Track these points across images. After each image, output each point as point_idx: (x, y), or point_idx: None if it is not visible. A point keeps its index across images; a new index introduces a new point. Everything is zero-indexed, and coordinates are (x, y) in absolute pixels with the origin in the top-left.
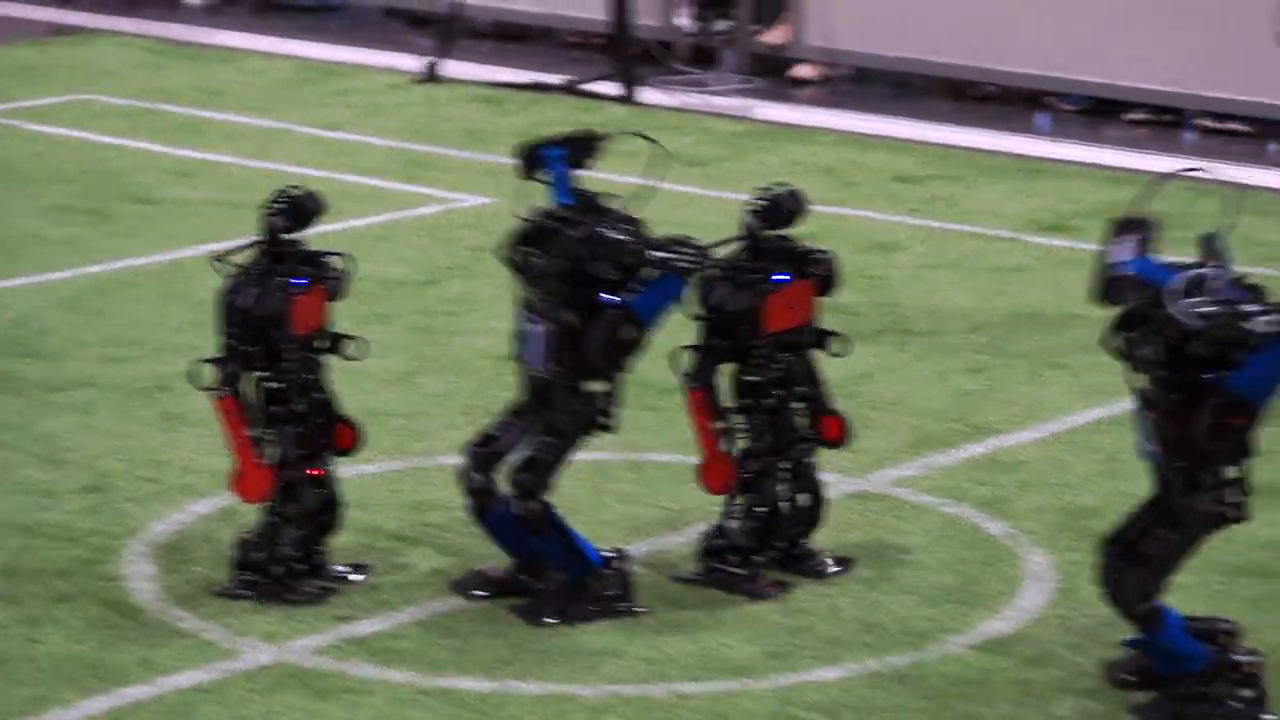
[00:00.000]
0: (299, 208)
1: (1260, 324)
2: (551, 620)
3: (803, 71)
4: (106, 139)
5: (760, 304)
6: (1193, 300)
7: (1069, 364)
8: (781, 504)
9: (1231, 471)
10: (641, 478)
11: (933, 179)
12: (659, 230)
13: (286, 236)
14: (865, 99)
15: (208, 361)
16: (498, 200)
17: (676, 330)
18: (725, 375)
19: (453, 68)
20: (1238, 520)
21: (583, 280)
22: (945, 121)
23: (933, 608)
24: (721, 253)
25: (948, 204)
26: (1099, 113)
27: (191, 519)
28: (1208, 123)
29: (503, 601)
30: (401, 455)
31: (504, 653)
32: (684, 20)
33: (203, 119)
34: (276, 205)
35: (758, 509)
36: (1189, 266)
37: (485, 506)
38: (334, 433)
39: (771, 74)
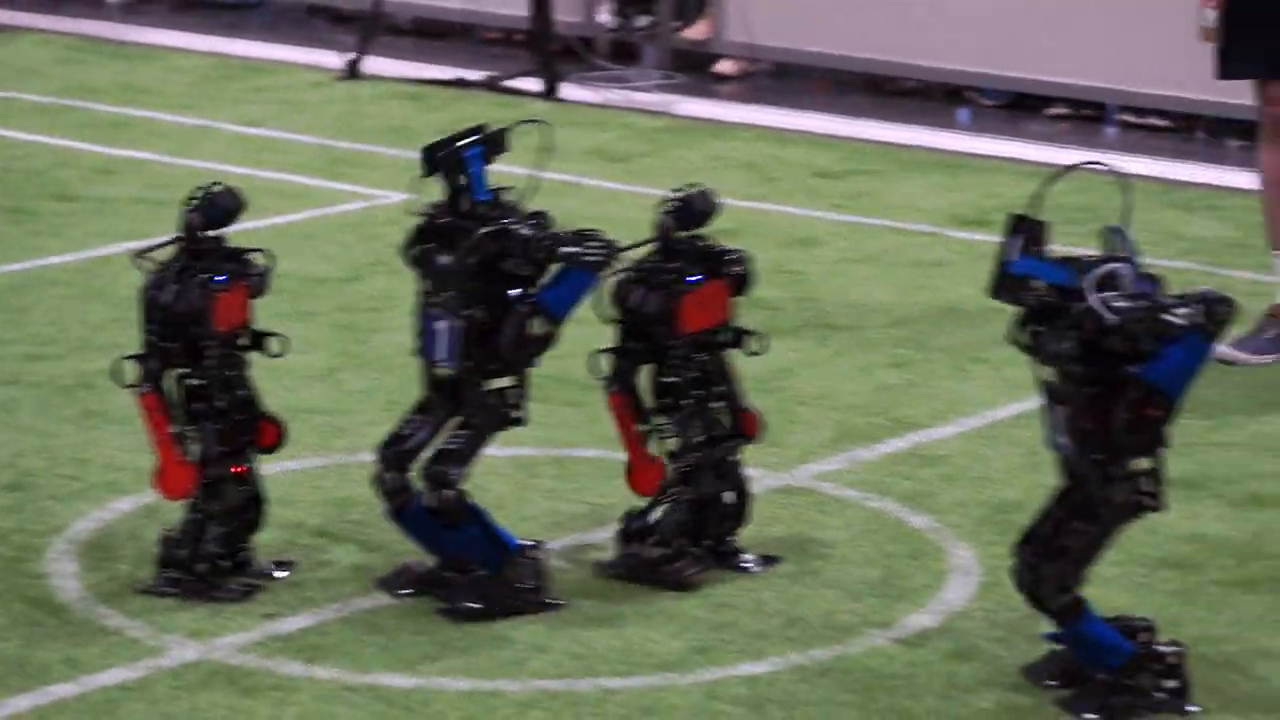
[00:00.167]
0: (217, 205)
1: (1180, 315)
2: (473, 607)
3: (723, 67)
4: (27, 136)
5: (675, 305)
6: (1108, 294)
7: (990, 358)
8: (709, 497)
9: (1146, 462)
10: (565, 473)
11: (853, 174)
12: (579, 226)
13: (207, 234)
14: (785, 94)
15: (129, 358)
16: (421, 197)
17: (599, 331)
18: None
19: (374, 64)
20: (1155, 509)
21: (493, 277)
22: (866, 117)
23: (857, 602)
24: (636, 255)
25: (869, 199)
26: (1020, 107)
27: (115, 516)
28: (1129, 117)
29: (428, 597)
30: (324, 452)
31: (430, 649)
32: (605, 16)
33: (124, 116)
34: (195, 202)
35: (686, 500)
36: (1089, 260)
37: (402, 506)
38: (257, 430)
39: (693, 70)
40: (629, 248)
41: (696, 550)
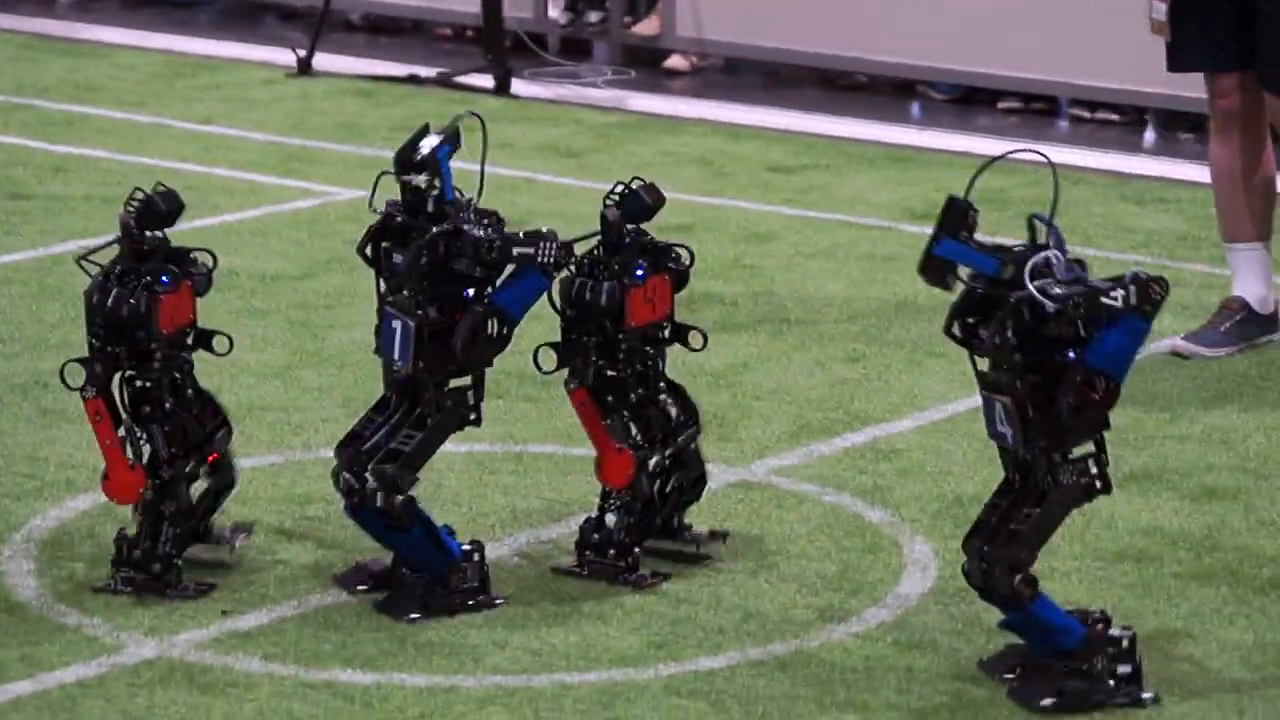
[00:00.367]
0: (155, 206)
1: (1118, 298)
2: (414, 615)
3: (675, 63)
4: None
5: (623, 299)
6: (1044, 281)
7: (946, 352)
8: (656, 491)
9: (1089, 445)
10: (522, 469)
11: (806, 169)
12: (535, 222)
13: (151, 235)
14: (737, 89)
15: (76, 362)
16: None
17: (555, 327)
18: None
19: (326, 61)
20: (1104, 491)
21: (446, 277)
22: (817, 111)
23: (814, 596)
24: (581, 249)
25: (821, 193)
26: (971, 102)
27: (71, 515)
28: (1080, 111)
29: (384, 594)
30: (280, 449)
31: (387, 645)
32: (556, 12)
33: (76, 114)
34: (133, 204)
35: (633, 504)
36: (1018, 251)
37: (359, 504)
38: (224, 416)
39: (644, 65)
40: (575, 240)
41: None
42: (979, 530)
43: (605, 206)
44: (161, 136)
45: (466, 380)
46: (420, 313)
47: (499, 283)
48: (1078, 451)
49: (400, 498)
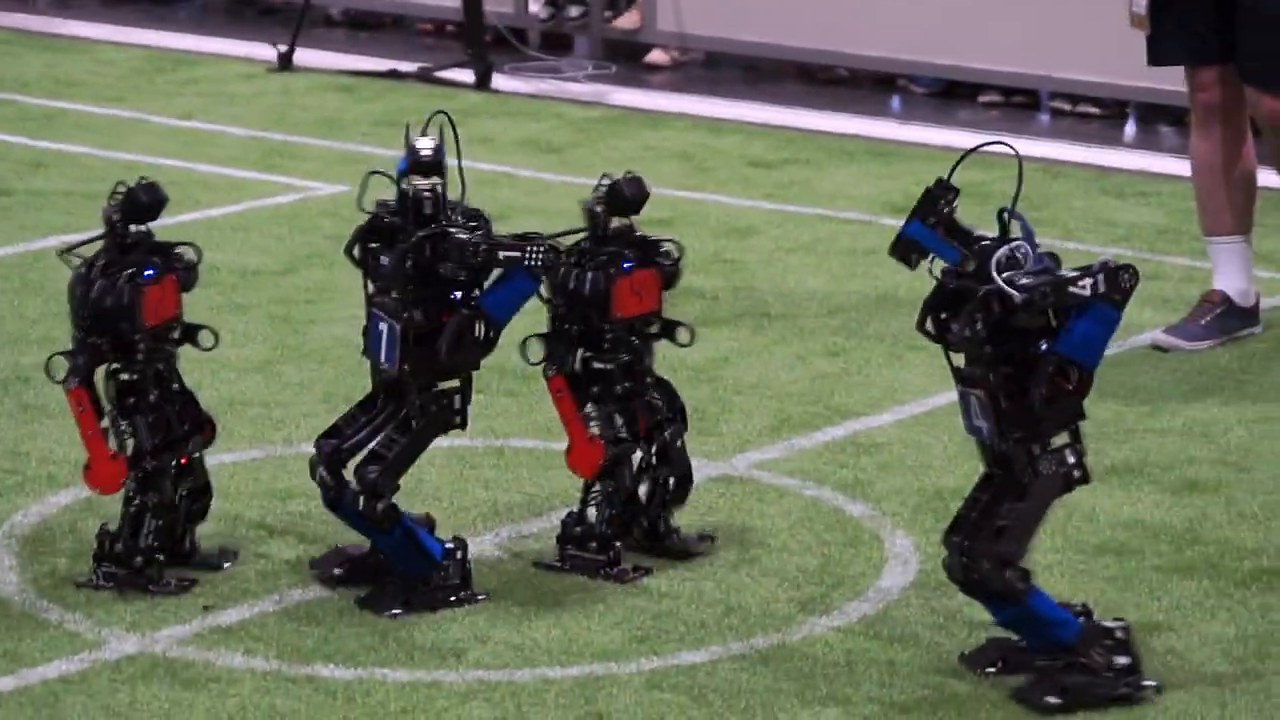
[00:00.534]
0: (137, 199)
1: (1087, 287)
2: (396, 611)
3: (655, 57)
4: None
5: (609, 289)
6: (1012, 274)
7: (926, 346)
8: (642, 487)
9: (1065, 436)
10: (503, 463)
11: (787, 163)
12: (516, 217)
13: (135, 228)
14: (717, 84)
15: (59, 354)
16: (355, 188)
17: (537, 322)
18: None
19: (306, 56)
20: (1084, 481)
21: (432, 280)
22: (797, 105)
23: (796, 590)
24: (569, 240)
25: (802, 188)
26: (952, 95)
27: (53, 510)
28: (1061, 105)
29: (363, 583)
30: (262, 444)
31: (369, 640)
32: (537, 7)
33: (56, 109)
34: (116, 198)
35: (615, 497)
36: (987, 244)
37: (339, 500)
38: (200, 419)
39: (624, 60)
40: (564, 233)
41: (635, 534)
42: (959, 525)
43: (592, 199)
44: (142, 132)
45: (454, 382)
46: (406, 315)
47: (486, 285)
48: (1055, 442)
49: (381, 504)
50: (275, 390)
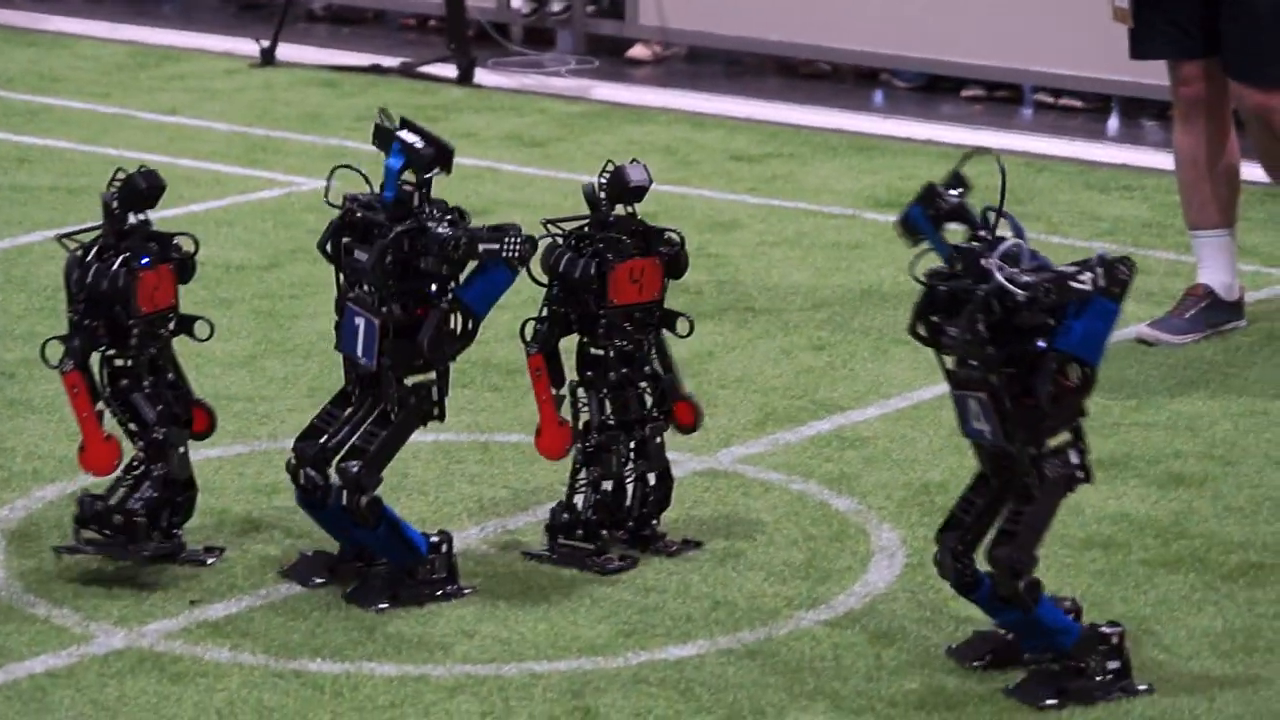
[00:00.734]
0: (135, 186)
1: (1087, 281)
2: (383, 605)
3: (637, 52)
4: None
5: (605, 274)
6: (1010, 271)
7: (911, 340)
8: (627, 481)
9: (1067, 435)
10: (489, 458)
11: (770, 157)
12: (500, 211)
13: (134, 218)
14: (700, 78)
15: (55, 339)
16: (339, 183)
17: (524, 316)
18: (570, 348)
19: (289, 51)
20: (1087, 480)
21: (410, 274)
22: (780, 100)
23: (783, 584)
24: (568, 225)
25: (785, 182)
26: (934, 89)
27: (39, 505)
28: (1045, 98)
29: (342, 584)
30: (247, 439)
31: (356, 634)
32: (519, 2)
33: (39, 105)
34: (115, 184)
35: (602, 484)
36: (977, 245)
37: (319, 500)
38: (189, 414)
39: (607, 54)
40: (566, 219)
41: (621, 533)
42: (954, 526)
43: (595, 182)
44: (125, 127)
45: (429, 374)
46: (385, 310)
47: (463, 278)
48: (1056, 442)
49: (365, 498)
50: (260, 385)
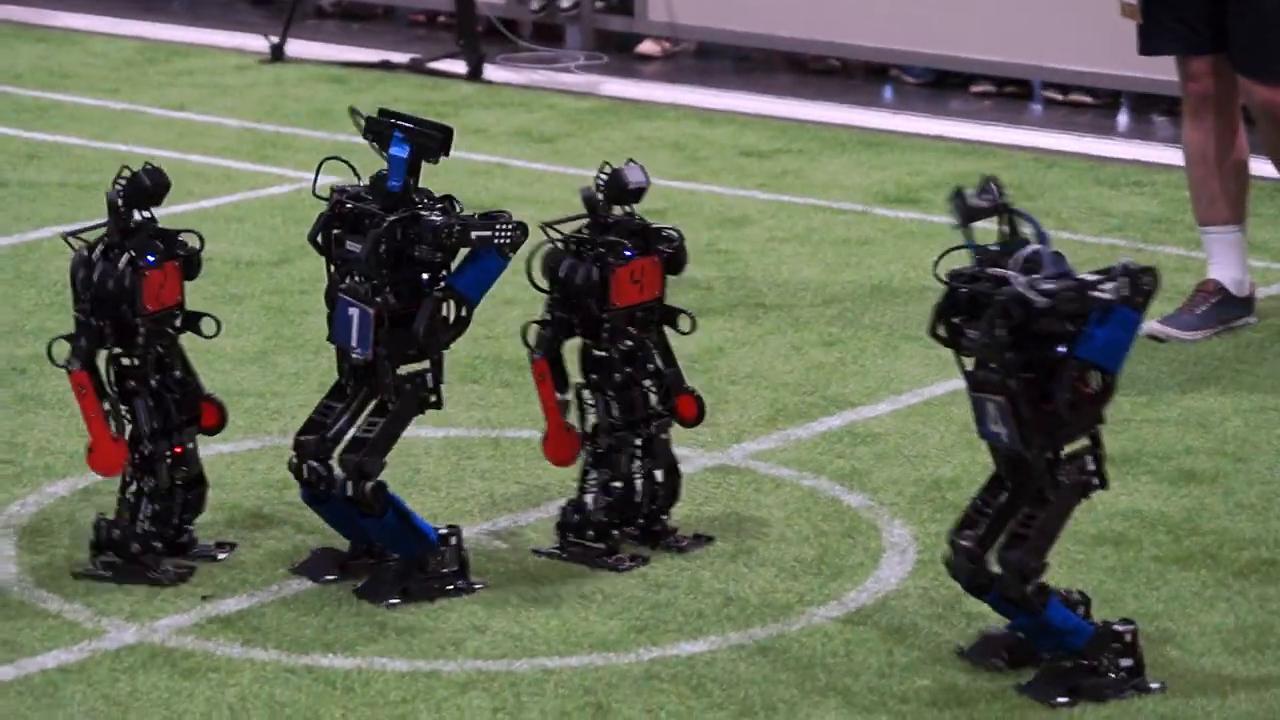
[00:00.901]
0: (140, 184)
1: (1110, 291)
2: (394, 600)
3: (647, 48)
4: None
5: (607, 278)
6: (1033, 278)
7: (922, 336)
8: (636, 479)
9: (1085, 441)
10: (500, 454)
11: (779, 153)
12: (509, 207)
13: (139, 215)
14: (709, 74)
15: (62, 338)
16: (347, 179)
17: (533, 313)
18: (574, 350)
19: (298, 47)
20: (1102, 487)
21: (403, 263)
22: (789, 96)
23: (794, 580)
24: (569, 227)
25: (795, 178)
26: (943, 85)
27: (51, 500)
28: (1054, 94)
29: (353, 580)
30: (257, 434)
31: (368, 630)
32: None
33: (49, 101)
34: (121, 182)
35: (612, 485)
36: (1000, 247)
37: (325, 494)
38: (197, 410)
39: (616, 50)
40: (563, 220)
41: (632, 529)
42: (968, 526)
43: (593, 184)
44: (135, 123)
45: (424, 364)
46: (379, 300)
47: (455, 266)
48: (1073, 448)
49: (369, 484)
50: (271, 380)
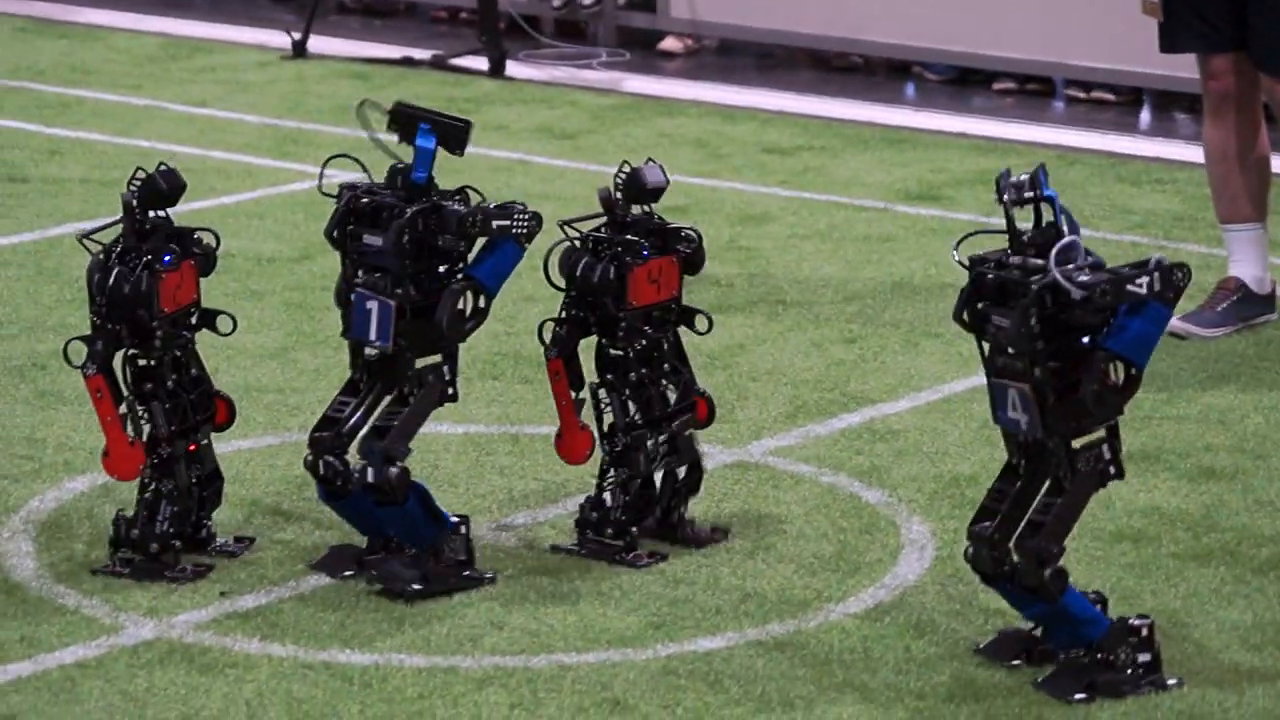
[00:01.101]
0: (156, 185)
1: (1143, 285)
2: (417, 588)
3: (669, 44)
4: None
5: (624, 277)
6: (1069, 268)
7: (942, 333)
8: (656, 475)
9: (1101, 431)
10: (518, 450)
11: (801, 150)
12: (531, 204)
13: (154, 214)
14: (731, 71)
15: (78, 339)
16: (368, 177)
17: (552, 309)
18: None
19: (320, 44)
20: (1119, 476)
21: (425, 254)
22: (811, 93)
23: (812, 577)
24: (587, 226)
25: (817, 175)
26: (966, 82)
27: (70, 496)
28: (1076, 92)
29: (370, 576)
30: (277, 430)
31: (385, 626)
32: None
33: (71, 97)
34: (135, 183)
35: (630, 483)
36: (1031, 233)
37: (339, 490)
38: (212, 409)
39: (638, 47)
40: (581, 219)
41: (650, 520)
42: (985, 517)
43: (611, 184)
44: (157, 119)
45: (436, 357)
46: (400, 291)
47: (472, 257)
48: (1091, 438)
49: (396, 470)
50: (291, 376)
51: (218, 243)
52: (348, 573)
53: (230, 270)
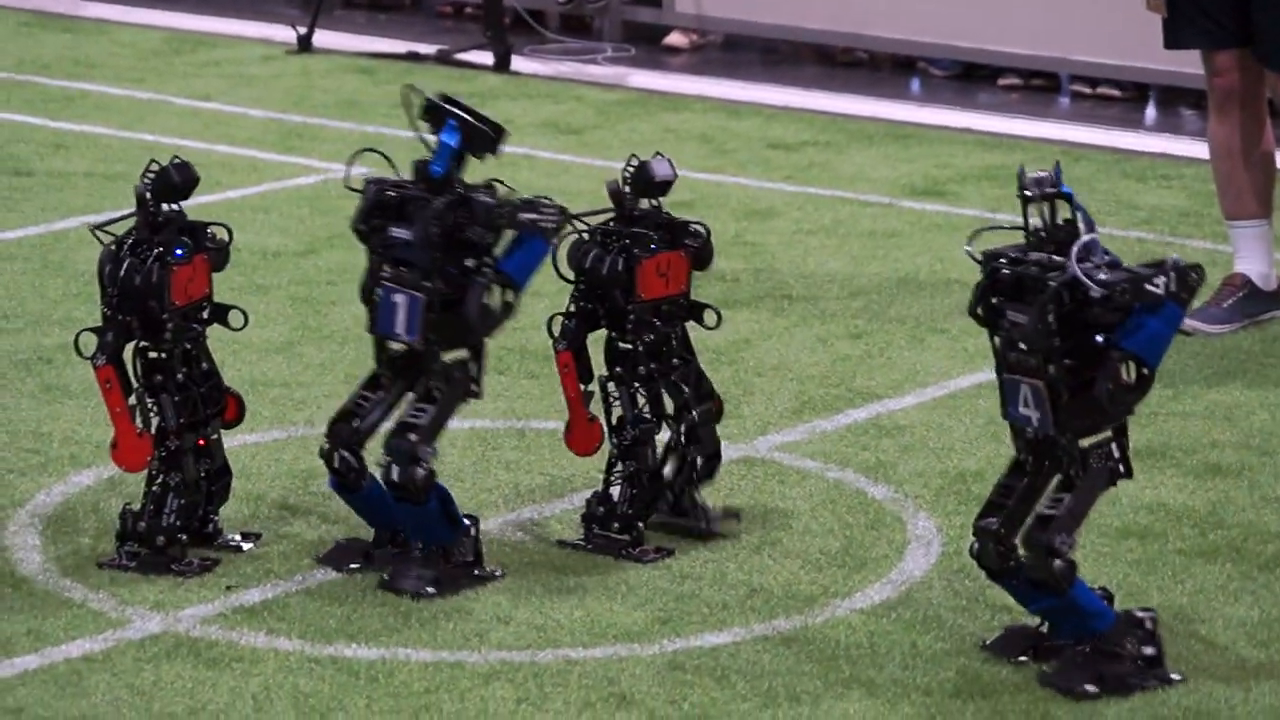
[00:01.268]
0: (169, 178)
1: (1160, 285)
2: (429, 590)
3: (674, 40)
4: None
5: (633, 269)
6: (1087, 265)
7: (948, 329)
8: (668, 468)
9: (1112, 428)
10: (524, 444)
11: (806, 145)
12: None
13: (167, 207)
14: (736, 66)
15: (89, 331)
16: (377, 170)
17: (559, 304)
18: (598, 342)
19: (326, 38)
20: (1127, 475)
21: (453, 246)
22: (816, 88)
23: (819, 572)
24: (597, 220)
25: (822, 170)
26: (971, 78)
27: (76, 489)
28: (1081, 87)
29: (377, 571)
30: (284, 425)
31: (392, 620)
32: None
33: (76, 90)
34: (149, 175)
35: (638, 477)
36: (1048, 229)
37: (355, 483)
38: (222, 403)
39: (644, 42)
40: (592, 213)
41: (662, 504)
42: (991, 512)
43: (620, 178)
44: (161, 113)
45: (462, 352)
46: (429, 285)
47: (499, 251)
48: (1101, 436)
49: (422, 471)
50: (297, 371)
51: (230, 237)
52: (354, 566)
53: (236, 264)
